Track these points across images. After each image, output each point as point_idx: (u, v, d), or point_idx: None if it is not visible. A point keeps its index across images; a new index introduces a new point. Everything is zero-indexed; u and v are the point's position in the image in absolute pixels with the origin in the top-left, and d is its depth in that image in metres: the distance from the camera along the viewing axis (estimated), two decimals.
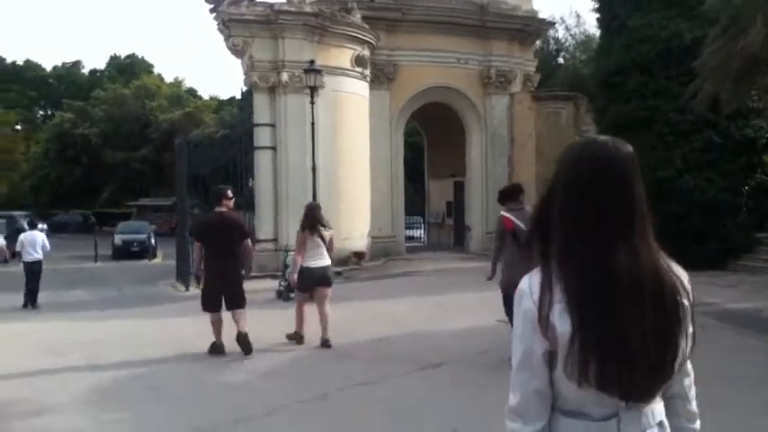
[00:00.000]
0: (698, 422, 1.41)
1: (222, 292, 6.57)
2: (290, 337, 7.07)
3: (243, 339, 6.51)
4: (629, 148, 1.32)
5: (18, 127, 46.75)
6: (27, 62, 58.09)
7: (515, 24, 18.36)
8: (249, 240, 6.94)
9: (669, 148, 12.51)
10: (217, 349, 6.62)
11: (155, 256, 22.28)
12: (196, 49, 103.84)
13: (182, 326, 8.16)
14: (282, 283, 10.65)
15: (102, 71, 57.41)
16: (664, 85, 12.69)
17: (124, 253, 22.01)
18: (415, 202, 22.96)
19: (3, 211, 27.55)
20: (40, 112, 57.94)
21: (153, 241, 22.71)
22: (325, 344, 6.81)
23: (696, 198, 12.21)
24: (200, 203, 14.26)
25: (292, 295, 8.69)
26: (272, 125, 14.48)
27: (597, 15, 15.45)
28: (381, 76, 16.84)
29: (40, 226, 13.04)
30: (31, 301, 11.05)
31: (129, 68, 54.96)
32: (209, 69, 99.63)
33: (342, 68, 15.14)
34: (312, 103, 13.05)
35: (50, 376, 6.07)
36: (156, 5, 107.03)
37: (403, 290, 11.54)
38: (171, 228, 22.31)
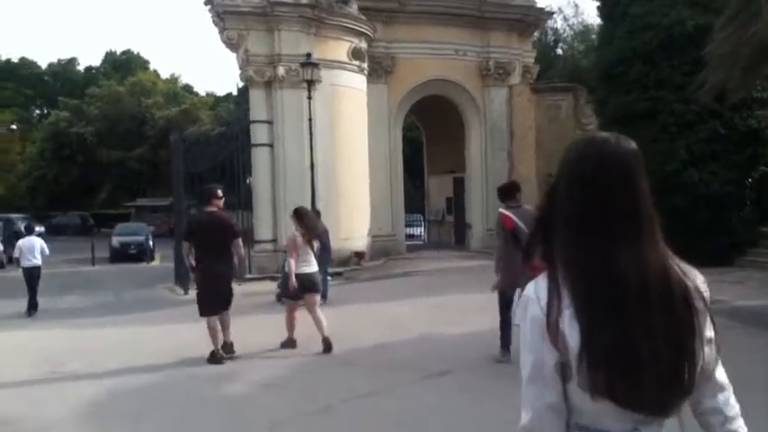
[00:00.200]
0: None
1: (215, 294, 6.60)
2: (284, 344, 7.07)
3: (229, 349, 6.73)
4: (633, 145, 1.28)
5: (14, 126, 46.36)
6: (22, 60, 57.73)
7: (514, 14, 18.14)
8: (240, 240, 6.83)
9: (673, 139, 12.31)
10: (216, 358, 6.56)
11: (153, 258, 22.00)
12: (192, 45, 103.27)
13: (180, 332, 8.05)
14: (276, 290, 10.50)
15: (97, 68, 57.08)
16: (666, 74, 12.48)
17: (122, 255, 21.71)
18: (414, 199, 22.77)
19: (0, 213, 26.87)
20: (36, 111, 57.60)
21: (151, 243, 22.44)
22: (327, 343, 6.78)
23: (701, 191, 12.01)
24: (198, 203, 14.06)
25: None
26: (270, 122, 14.27)
27: (597, 4, 15.21)
28: (379, 69, 16.61)
29: (37, 230, 12.84)
30: (32, 306, 10.86)
31: (125, 65, 54.67)
32: (205, 65, 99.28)
33: (339, 62, 14.89)
34: (309, 97, 12.84)
35: (49, 387, 6.03)
36: (152, 0, 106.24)
37: (404, 291, 11.39)
38: (170, 228, 22.05)
